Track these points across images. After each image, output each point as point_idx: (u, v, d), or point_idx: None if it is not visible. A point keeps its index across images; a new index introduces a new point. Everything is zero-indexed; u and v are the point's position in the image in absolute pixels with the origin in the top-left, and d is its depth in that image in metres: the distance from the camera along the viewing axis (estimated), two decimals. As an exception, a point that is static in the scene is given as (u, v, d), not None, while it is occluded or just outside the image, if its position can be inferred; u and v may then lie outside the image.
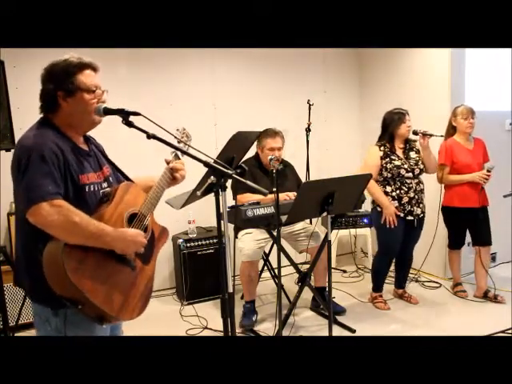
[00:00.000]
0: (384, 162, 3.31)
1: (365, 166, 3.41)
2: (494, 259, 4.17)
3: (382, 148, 3.35)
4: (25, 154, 1.42)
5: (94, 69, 1.58)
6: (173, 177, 1.72)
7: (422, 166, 3.35)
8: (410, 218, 3.32)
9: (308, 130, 4.24)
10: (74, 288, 1.36)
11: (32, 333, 3.16)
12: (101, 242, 1.45)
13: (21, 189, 1.41)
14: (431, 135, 3.26)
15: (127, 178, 1.75)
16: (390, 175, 3.29)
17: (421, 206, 3.36)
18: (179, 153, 1.73)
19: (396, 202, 3.31)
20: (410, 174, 3.30)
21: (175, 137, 1.74)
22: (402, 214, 3.30)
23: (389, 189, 3.33)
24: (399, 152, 3.36)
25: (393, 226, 3.27)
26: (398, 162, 3.29)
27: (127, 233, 1.52)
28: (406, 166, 3.29)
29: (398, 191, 3.31)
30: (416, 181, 3.34)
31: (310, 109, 4.24)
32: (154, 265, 1.68)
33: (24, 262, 1.52)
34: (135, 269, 1.57)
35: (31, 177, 1.40)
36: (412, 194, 3.31)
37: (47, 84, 1.53)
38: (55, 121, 1.55)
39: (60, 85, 1.51)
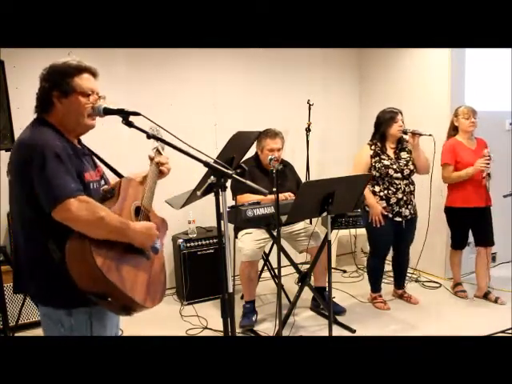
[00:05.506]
0: (373, 160, 3.30)
1: (354, 165, 3.41)
2: (494, 259, 4.17)
3: (372, 147, 3.34)
4: (36, 153, 1.40)
5: (93, 74, 1.59)
6: (159, 171, 1.77)
7: (412, 167, 3.32)
8: (398, 219, 3.30)
9: (308, 129, 4.25)
10: (104, 280, 1.38)
11: (32, 333, 3.17)
12: (123, 236, 1.48)
13: (41, 188, 1.40)
14: (420, 134, 3.22)
15: (118, 175, 1.77)
16: (378, 174, 3.28)
17: (409, 207, 3.33)
18: (160, 147, 1.77)
19: (384, 202, 3.29)
20: (399, 175, 3.28)
21: (166, 130, 1.75)
22: (390, 215, 3.29)
23: (377, 188, 3.32)
24: (390, 152, 3.34)
25: (379, 226, 3.27)
26: (387, 162, 3.28)
27: (144, 226, 1.56)
28: (394, 167, 3.27)
29: (385, 191, 3.30)
30: (405, 182, 3.31)
31: (309, 109, 4.25)
32: (162, 254, 1.74)
33: (31, 265, 1.50)
34: (150, 258, 1.62)
35: (52, 175, 1.39)
36: (400, 195, 3.28)
37: (44, 83, 1.54)
38: (50, 121, 1.54)
39: (56, 85, 1.52)
